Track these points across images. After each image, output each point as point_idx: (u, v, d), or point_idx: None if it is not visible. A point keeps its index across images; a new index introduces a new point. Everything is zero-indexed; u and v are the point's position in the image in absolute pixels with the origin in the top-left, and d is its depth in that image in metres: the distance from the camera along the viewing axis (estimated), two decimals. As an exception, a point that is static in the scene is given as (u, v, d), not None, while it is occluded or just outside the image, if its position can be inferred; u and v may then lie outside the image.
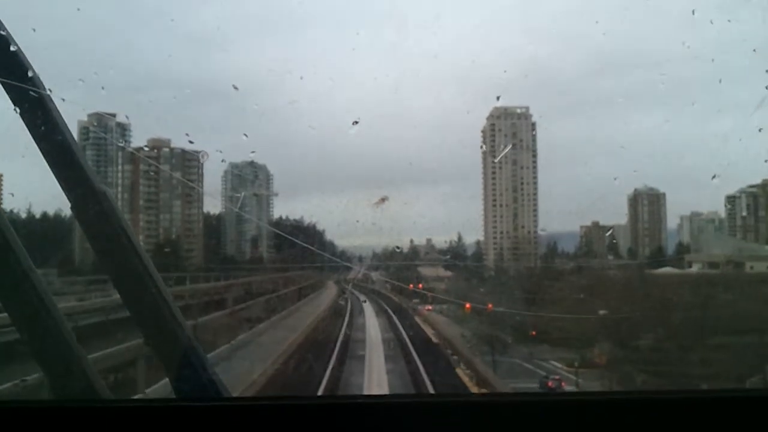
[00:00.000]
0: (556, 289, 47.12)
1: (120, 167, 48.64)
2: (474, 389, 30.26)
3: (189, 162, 48.05)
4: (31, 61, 2.90)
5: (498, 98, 46.44)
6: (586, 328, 37.40)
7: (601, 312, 36.95)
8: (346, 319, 50.50)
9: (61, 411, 2.66)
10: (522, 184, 53.98)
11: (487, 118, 51.07)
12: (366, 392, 28.37)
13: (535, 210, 55.31)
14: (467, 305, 49.00)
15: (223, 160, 43.58)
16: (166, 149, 48.12)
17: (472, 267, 60.12)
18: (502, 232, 56.74)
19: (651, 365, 31.66)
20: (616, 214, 55.51)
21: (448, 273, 62.95)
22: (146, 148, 45.92)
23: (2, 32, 2.85)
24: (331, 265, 54.32)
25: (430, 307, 59.50)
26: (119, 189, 47.43)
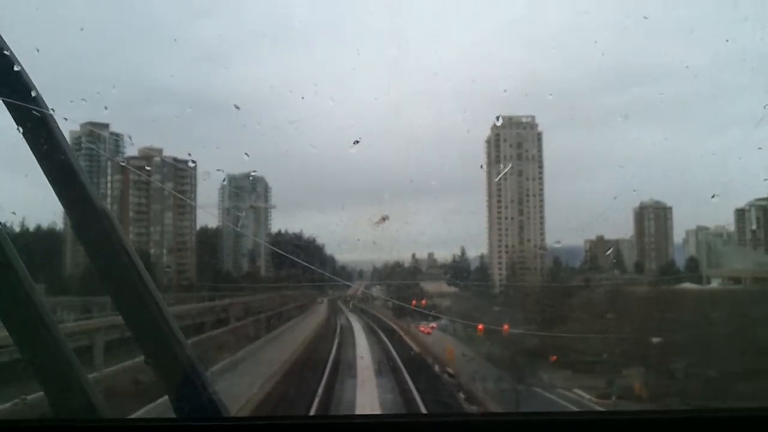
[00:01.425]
0: (573, 307, 45.87)
1: (109, 177, 48.73)
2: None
3: (181, 172, 48.23)
4: (34, 81, 3.03)
5: (498, 118, 46.56)
6: (612, 351, 34.91)
7: (624, 331, 34.86)
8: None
9: (62, 430, 2.75)
10: (528, 195, 53.84)
11: (492, 128, 51.19)
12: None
13: (542, 223, 55.19)
14: (480, 327, 46.55)
15: (224, 180, 44.22)
16: (158, 159, 48.30)
17: (477, 283, 59.89)
18: (507, 246, 56.52)
19: (697, 395, 27.82)
20: (620, 229, 55.29)
21: (452, 289, 62.53)
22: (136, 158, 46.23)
23: (6, 52, 2.97)
24: (328, 283, 53.74)
25: (434, 326, 58.86)
26: (108, 200, 47.50)
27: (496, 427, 2.67)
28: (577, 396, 34.12)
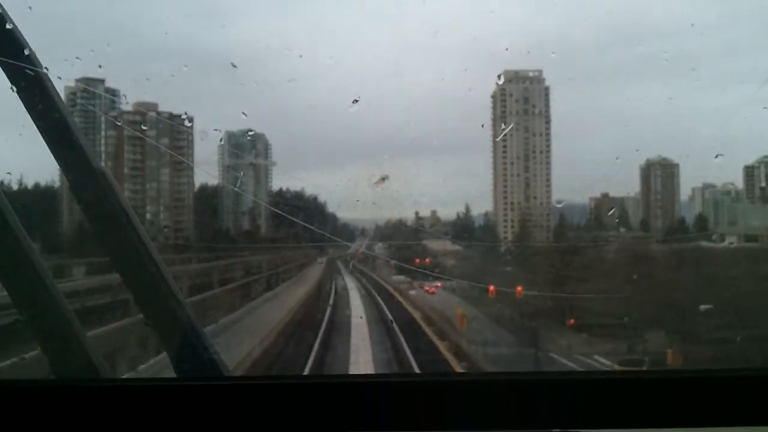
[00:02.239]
0: (586, 266, 44.27)
1: (104, 133, 48.60)
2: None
3: (177, 129, 48.07)
4: (27, 39, 3.07)
5: (499, 77, 46.10)
6: (632, 313, 33.49)
7: (643, 292, 32.86)
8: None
9: (60, 390, 2.82)
10: (534, 152, 53.59)
11: (496, 83, 50.88)
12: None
13: (548, 180, 55.06)
14: (491, 288, 44.77)
15: (221, 140, 44.15)
16: (153, 113, 48.14)
17: (484, 243, 59.84)
18: (513, 203, 56.46)
19: (728, 359, 25.88)
20: (627, 186, 55.21)
21: (457, 247, 62.43)
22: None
23: None
24: (328, 243, 53.39)
25: (438, 284, 58.72)
26: (102, 157, 47.48)
27: (492, 386, 2.75)
28: (598, 363, 32.86)
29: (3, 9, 3.01)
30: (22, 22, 3.06)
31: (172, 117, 47.62)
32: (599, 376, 2.99)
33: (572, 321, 38.31)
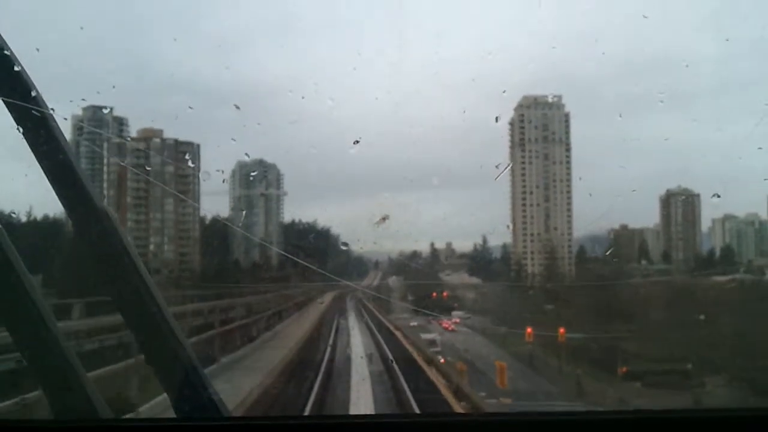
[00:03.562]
0: (628, 302, 41.57)
1: (106, 161, 49.05)
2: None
3: (183, 154, 48.60)
4: (33, 81, 3.25)
5: (497, 119, 46.47)
6: (692, 358, 31.01)
7: (699, 332, 30.40)
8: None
9: (61, 430, 2.96)
10: (555, 181, 53.50)
11: (515, 109, 51.06)
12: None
13: (569, 209, 54.91)
14: (528, 330, 40.69)
15: (223, 180, 45.20)
16: (157, 140, 48.72)
17: (501, 274, 59.21)
18: (532, 234, 56.31)
19: None
20: (644, 217, 55.17)
21: (474, 279, 61.58)
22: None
23: (6, 52, 3.19)
24: (329, 284, 51.99)
25: (457, 321, 57.60)
26: (105, 185, 47.95)
27: (492, 427, 2.85)
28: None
29: (11, 51, 3.19)
30: (29, 63, 3.24)
31: (178, 144, 48.44)
32: (605, 416, 3.05)
33: (624, 369, 35.84)
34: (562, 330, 37.70)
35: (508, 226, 57.90)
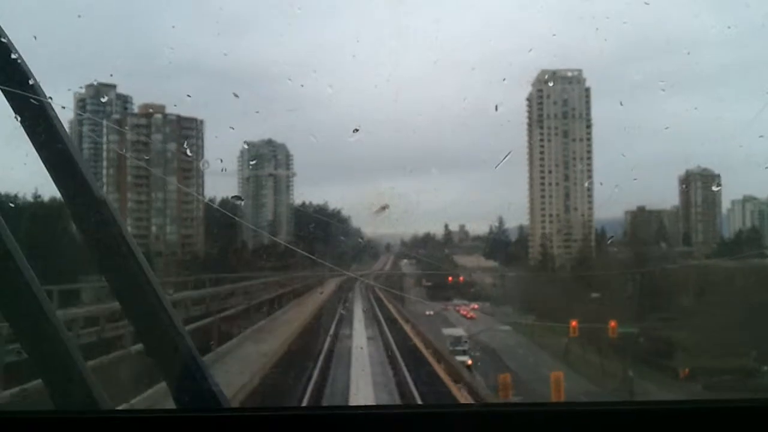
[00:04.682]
0: (674, 290, 38.98)
1: (106, 138, 49.29)
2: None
3: (187, 129, 48.63)
4: (31, 69, 3.36)
5: (496, 107, 46.26)
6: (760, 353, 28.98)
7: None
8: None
9: (61, 421, 3.06)
10: (574, 159, 53.02)
11: (533, 84, 50.70)
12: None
13: (590, 189, 54.51)
14: (573, 324, 35.61)
15: (224, 169, 45.33)
16: (159, 115, 48.79)
17: (520, 256, 58.63)
18: (551, 215, 55.89)
19: None
20: (661, 199, 54.70)
21: (491, 263, 60.81)
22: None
23: (3, 40, 3.30)
24: (332, 272, 51.00)
25: (476, 307, 56.44)
26: (103, 164, 48.09)
27: (494, 418, 2.95)
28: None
29: (8, 39, 3.30)
30: (27, 51, 3.35)
31: (180, 120, 48.54)
32: (608, 407, 3.12)
33: (686, 371, 33.53)
34: (612, 323, 33.21)
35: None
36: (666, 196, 56.20)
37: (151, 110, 49.11)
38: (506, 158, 10.96)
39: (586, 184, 54.20)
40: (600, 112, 59.27)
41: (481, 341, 45.71)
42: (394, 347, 37.10)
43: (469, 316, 55.03)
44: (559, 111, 51.23)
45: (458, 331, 45.62)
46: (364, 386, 30.18)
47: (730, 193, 53.37)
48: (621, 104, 56.04)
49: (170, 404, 3.36)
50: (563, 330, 37.66)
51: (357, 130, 11.54)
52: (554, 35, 52.15)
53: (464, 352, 40.12)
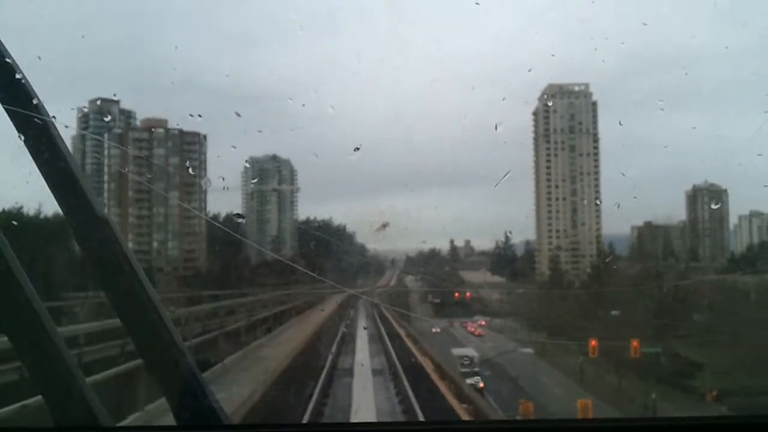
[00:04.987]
0: (693, 306, 37.83)
1: (108, 153, 49.54)
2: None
3: (189, 145, 48.91)
4: (35, 88, 3.44)
5: (496, 127, 46.65)
6: None
7: None
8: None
9: None
10: (581, 174, 52.84)
11: (539, 99, 50.83)
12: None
13: (597, 204, 54.50)
14: (593, 343, 34.18)
15: (225, 188, 46.19)
16: (161, 130, 49.06)
17: (526, 272, 58.55)
18: (558, 230, 55.86)
19: None
20: (665, 215, 54.88)
21: (498, 278, 60.42)
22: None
23: (7, 60, 3.38)
24: (331, 290, 50.27)
25: (483, 323, 56.00)
26: (105, 179, 48.32)
27: None
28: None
29: (12, 59, 3.39)
30: (31, 71, 3.43)
31: (183, 135, 48.82)
32: (610, 423, 3.15)
33: (714, 393, 32.04)
34: (635, 342, 31.84)
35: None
36: (674, 211, 56.42)
37: (153, 125, 49.46)
38: (505, 177, 11.02)
39: (595, 200, 54.21)
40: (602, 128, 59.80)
41: (495, 363, 44.76)
42: (399, 368, 35.63)
43: (477, 333, 54.67)
44: (565, 125, 51.09)
45: (469, 351, 43.99)
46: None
47: (732, 208, 53.50)
48: (620, 123, 56.49)
49: (170, 420, 3.39)
50: (580, 348, 37.03)
51: (358, 149, 11.72)
52: (553, 55, 52.79)
53: (475, 373, 38.95)
